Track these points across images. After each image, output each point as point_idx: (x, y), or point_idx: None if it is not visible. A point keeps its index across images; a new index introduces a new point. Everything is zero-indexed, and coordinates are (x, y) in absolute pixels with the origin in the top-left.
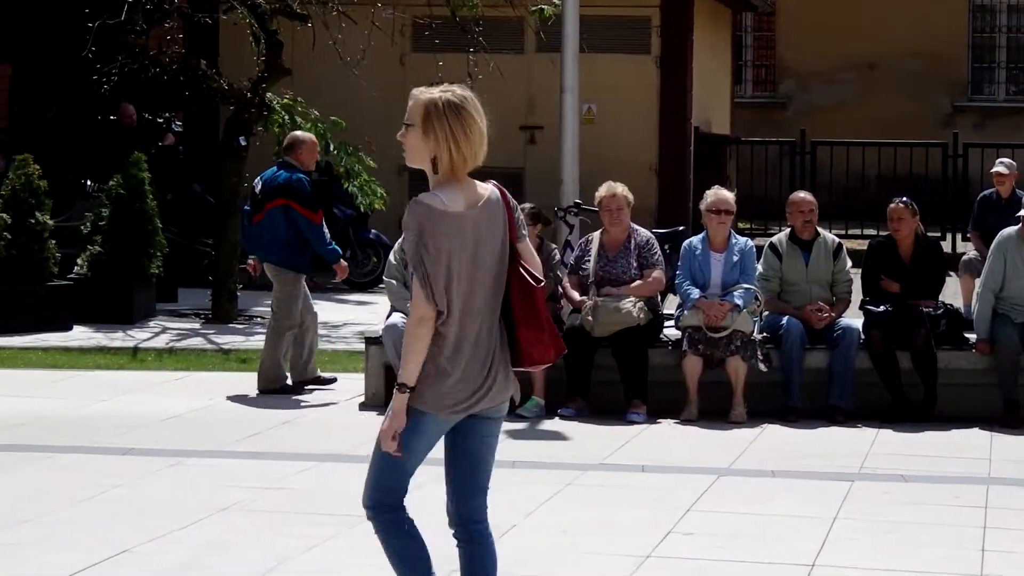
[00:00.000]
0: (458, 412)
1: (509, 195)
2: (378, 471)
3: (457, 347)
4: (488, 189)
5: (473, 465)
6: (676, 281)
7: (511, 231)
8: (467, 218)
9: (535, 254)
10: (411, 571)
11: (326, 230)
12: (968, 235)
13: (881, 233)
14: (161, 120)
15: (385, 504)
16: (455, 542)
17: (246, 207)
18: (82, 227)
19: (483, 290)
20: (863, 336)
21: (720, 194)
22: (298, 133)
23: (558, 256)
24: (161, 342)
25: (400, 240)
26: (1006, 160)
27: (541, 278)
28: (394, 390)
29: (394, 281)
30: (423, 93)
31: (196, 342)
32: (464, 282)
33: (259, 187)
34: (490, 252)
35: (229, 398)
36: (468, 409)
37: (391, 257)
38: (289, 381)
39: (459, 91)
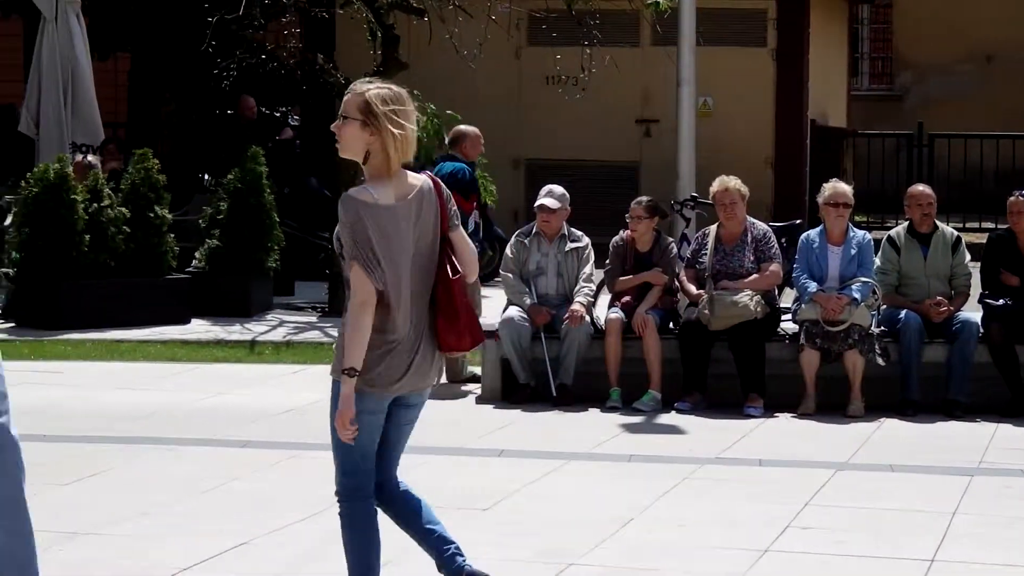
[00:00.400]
0: (392, 392)
1: (443, 186)
2: (341, 458)
3: (391, 330)
4: (421, 180)
5: (388, 450)
6: (793, 275)
7: (443, 222)
8: (397, 210)
9: (468, 243)
10: (364, 566)
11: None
12: None
13: (1000, 227)
14: (278, 114)
15: (356, 489)
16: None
17: None
18: (200, 221)
19: (412, 278)
20: (982, 330)
21: (838, 187)
22: (462, 127)
23: (675, 250)
24: (278, 335)
25: (336, 229)
26: None
27: (459, 269)
28: (341, 376)
29: (511, 275)
30: (362, 86)
31: (313, 335)
32: (393, 270)
33: None
34: (420, 242)
35: None
36: (400, 390)
37: (507, 251)
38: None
39: (395, 88)
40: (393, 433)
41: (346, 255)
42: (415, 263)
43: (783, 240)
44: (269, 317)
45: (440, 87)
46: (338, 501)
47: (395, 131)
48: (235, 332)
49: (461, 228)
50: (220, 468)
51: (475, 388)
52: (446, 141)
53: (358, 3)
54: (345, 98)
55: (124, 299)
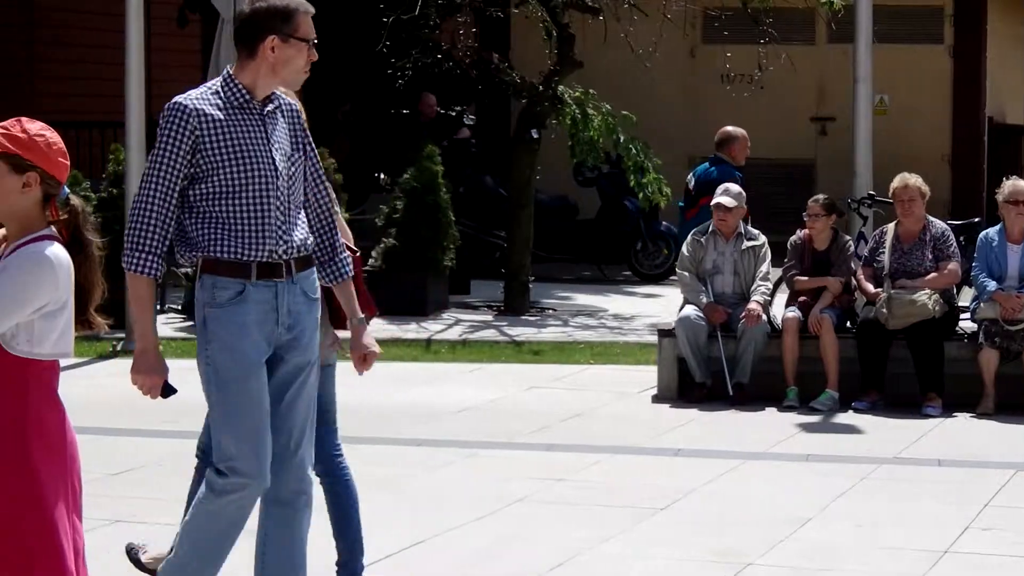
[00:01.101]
0: None
1: None
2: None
3: None
4: None
5: None
6: (972, 273)
7: None
8: None
9: (346, 228)
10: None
11: None
12: None
13: None
14: (453, 113)
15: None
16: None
17: (680, 203)
18: (376, 220)
19: None
20: None
21: (1018, 185)
22: (730, 129)
23: (852, 248)
24: (454, 334)
25: None
26: None
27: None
28: None
29: (687, 274)
30: None
31: (489, 334)
32: None
33: (692, 183)
34: None
35: (522, 390)
36: None
37: (684, 250)
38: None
39: None
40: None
41: None
42: None
43: (961, 238)
44: (445, 316)
45: (614, 85)
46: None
47: None
48: (411, 331)
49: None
50: (397, 466)
51: (652, 387)
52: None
53: (533, 2)
54: None
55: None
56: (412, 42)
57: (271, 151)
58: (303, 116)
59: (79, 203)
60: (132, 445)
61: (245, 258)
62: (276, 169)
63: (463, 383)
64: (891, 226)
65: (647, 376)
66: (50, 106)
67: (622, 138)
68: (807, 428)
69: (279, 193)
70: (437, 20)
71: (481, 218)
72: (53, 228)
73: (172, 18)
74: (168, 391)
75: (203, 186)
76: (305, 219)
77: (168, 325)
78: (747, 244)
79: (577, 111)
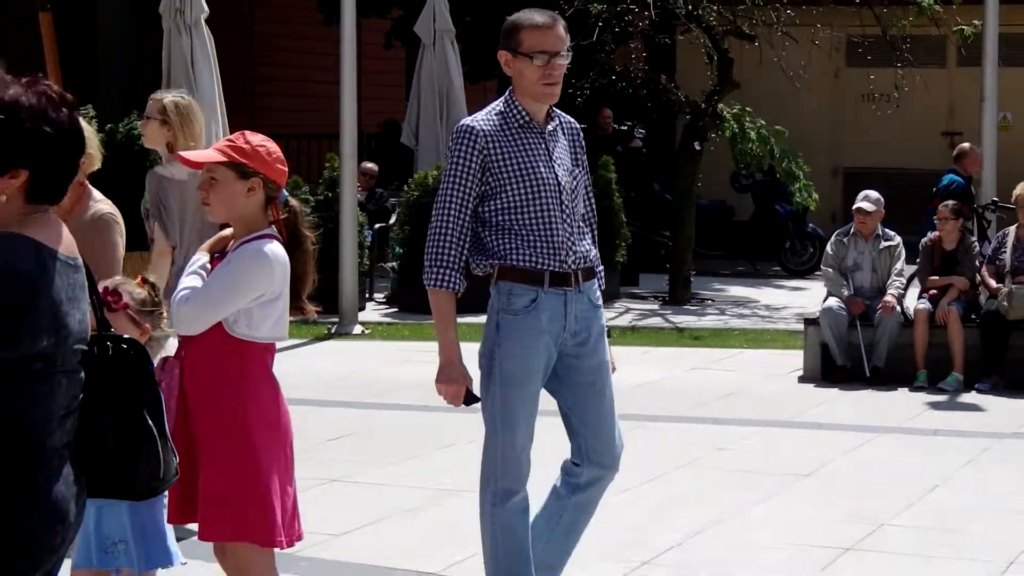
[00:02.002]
0: None
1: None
2: None
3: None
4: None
5: None
6: None
7: None
8: (188, 183)
9: None
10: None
11: None
12: None
13: None
14: (626, 127)
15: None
16: None
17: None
18: None
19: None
20: None
21: None
22: (965, 145)
23: (977, 248)
24: (625, 321)
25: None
26: None
27: None
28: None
29: (830, 270)
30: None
31: (655, 321)
32: (189, 230)
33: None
34: None
35: (684, 370)
36: None
37: (828, 248)
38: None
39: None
40: None
41: (151, 216)
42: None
43: None
44: (616, 305)
45: (767, 104)
46: None
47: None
48: None
49: None
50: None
51: (798, 369)
52: (769, 152)
53: (697, 30)
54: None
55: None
56: (590, 65)
57: (554, 167)
58: (581, 135)
59: (297, 205)
60: (342, 415)
61: (539, 267)
62: (559, 184)
63: (635, 364)
64: (1012, 228)
65: (794, 359)
66: (272, 120)
67: (776, 150)
68: (935, 406)
69: (563, 207)
70: (612, 46)
71: (649, 219)
72: (274, 227)
73: (380, 43)
74: (471, 399)
75: (494, 202)
76: (587, 231)
77: (376, 312)
78: (884, 244)
79: (735, 126)
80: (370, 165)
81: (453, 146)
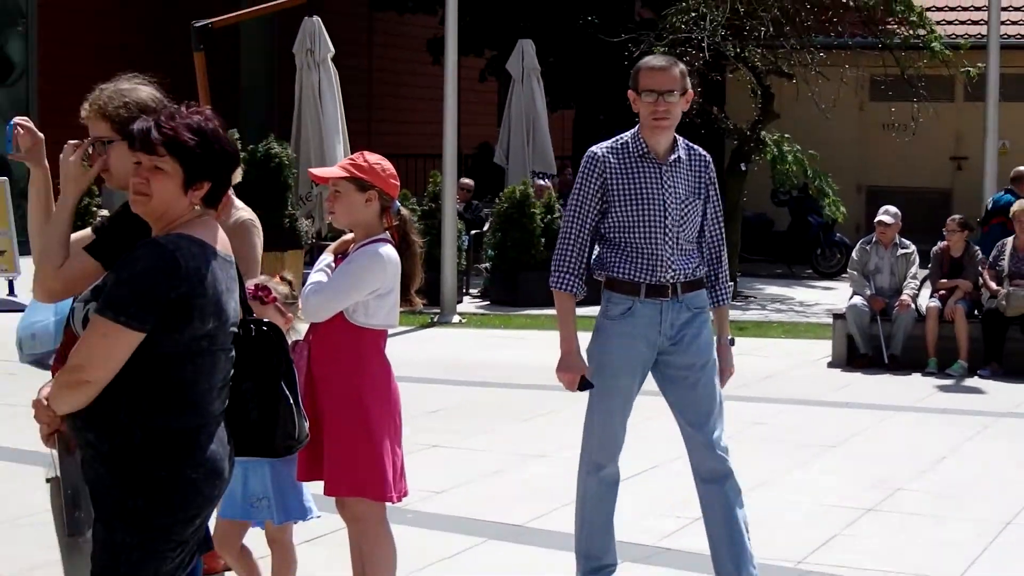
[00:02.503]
0: None
1: None
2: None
3: None
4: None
5: None
6: None
7: None
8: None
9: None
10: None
11: None
12: None
13: None
14: None
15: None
16: None
17: (978, 220)
18: None
19: None
20: None
21: None
22: (1021, 168)
23: (980, 255)
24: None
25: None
26: None
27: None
28: None
29: (855, 272)
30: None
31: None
32: None
33: (989, 206)
34: None
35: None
36: None
37: (853, 254)
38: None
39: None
40: None
41: None
42: None
43: None
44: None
45: (803, 131)
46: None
47: None
48: None
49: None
50: (642, 410)
51: (827, 356)
52: (803, 172)
53: (744, 69)
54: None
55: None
56: None
57: (663, 195)
58: (711, 167)
59: (407, 213)
60: (442, 391)
61: (636, 280)
62: (665, 210)
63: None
64: (1010, 239)
65: (823, 348)
66: (386, 141)
67: (809, 171)
68: (943, 389)
69: (667, 230)
70: None
71: None
72: (387, 233)
73: (476, 78)
74: (584, 385)
75: (608, 220)
76: (698, 251)
77: (471, 304)
78: (901, 251)
79: (775, 150)
80: (467, 181)
81: (581, 169)
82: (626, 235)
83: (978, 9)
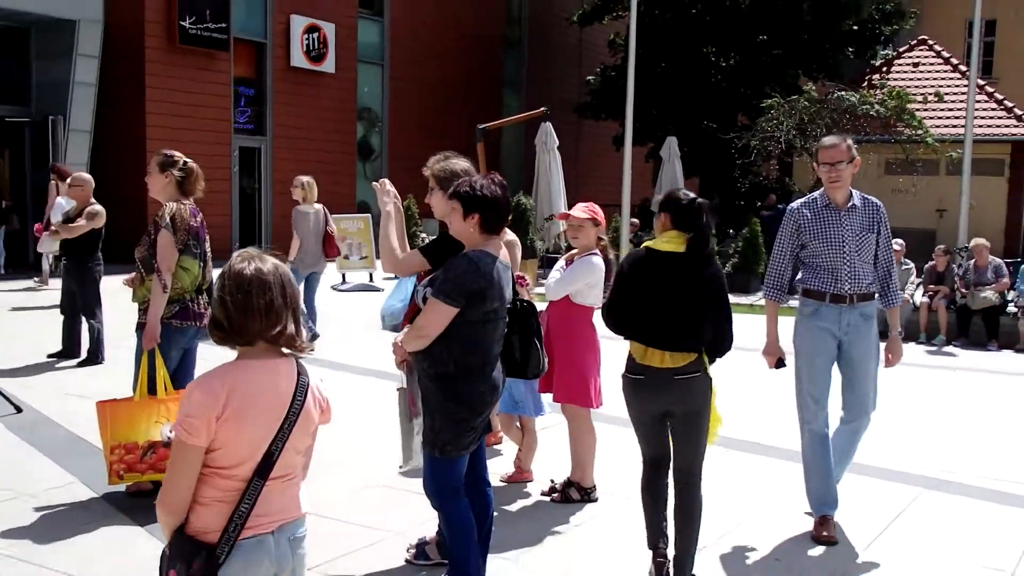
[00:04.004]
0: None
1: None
2: None
3: None
4: None
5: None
6: (1016, 283)
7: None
8: (312, 215)
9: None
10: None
11: None
12: None
13: None
14: (761, 204)
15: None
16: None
17: None
18: (733, 249)
19: None
20: None
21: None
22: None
23: (956, 270)
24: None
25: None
26: None
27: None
28: None
29: None
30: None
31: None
32: (314, 244)
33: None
34: None
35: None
36: None
37: None
38: None
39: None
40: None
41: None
42: None
43: (1010, 267)
44: (760, 296)
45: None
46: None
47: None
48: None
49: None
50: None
51: None
52: None
53: (805, 154)
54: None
55: None
56: (746, 170)
57: (841, 232)
58: (882, 211)
59: (607, 240)
60: (622, 346)
61: (822, 290)
62: (843, 242)
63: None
64: (971, 262)
65: None
66: (588, 197)
67: None
68: (931, 353)
69: (844, 256)
70: (760, 163)
71: None
72: (598, 249)
73: (643, 157)
74: (779, 364)
75: (805, 251)
76: (872, 270)
77: None
78: (903, 267)
79: None
80: (635, 220)
81: (784, 218)
82: (816, 260)
83: (958, 115)
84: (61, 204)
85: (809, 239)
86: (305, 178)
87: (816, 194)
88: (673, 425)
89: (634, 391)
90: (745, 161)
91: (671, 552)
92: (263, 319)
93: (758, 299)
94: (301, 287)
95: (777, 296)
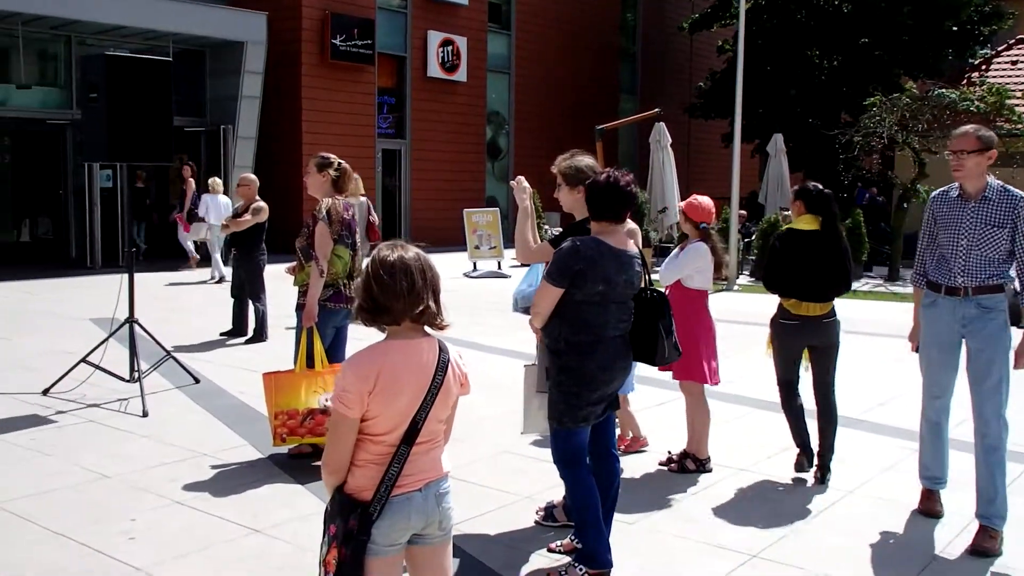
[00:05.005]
0: None
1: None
2: None
3: None
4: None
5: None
6: None
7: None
8: (356, 208)
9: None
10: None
11: None
12: None
13: None
14: (870, 194)
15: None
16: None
17: None
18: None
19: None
20: None
21: None
22: None
23: None
24: (868, 287)
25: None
26: None
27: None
28: None
29: None
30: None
31: (882, 288)
32: (360, 234)
33: None
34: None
35: (892, 312)
36: None
37: None
38: None
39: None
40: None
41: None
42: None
43: None
44: (863, 280)
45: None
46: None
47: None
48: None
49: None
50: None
51: None
52: None
53: (907, 148)
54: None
55: None
56: (850, 164)
57: (963, 223)
58: (1018, 205)
59: (712, 229)
60: (748, 331)
61: (939, 282)
62: (959, 236)
63: (884, 309)
64: None
65: None
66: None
67: None
68: None
69: (959, 250)
70: (862, 157)
71: (880, 240)
72: (701, 238)
73: (750, 152)
74: (918, 348)
75: (936, 240)
76: (998, 264)
77: (744, 279)
78: None
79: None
80: (743, 212)
81: (926, 204)
82: (940, 251)
83: None
84: (227, 202)
85: (938, 229)
86: (354, 175)
87: (955, 184)
88: (815, 355)
89: (789, 332)
90: (848, 156)
91: (815, 448)
92: (405, 300)
93: (861, 285)
94: None
95: (918, 282)
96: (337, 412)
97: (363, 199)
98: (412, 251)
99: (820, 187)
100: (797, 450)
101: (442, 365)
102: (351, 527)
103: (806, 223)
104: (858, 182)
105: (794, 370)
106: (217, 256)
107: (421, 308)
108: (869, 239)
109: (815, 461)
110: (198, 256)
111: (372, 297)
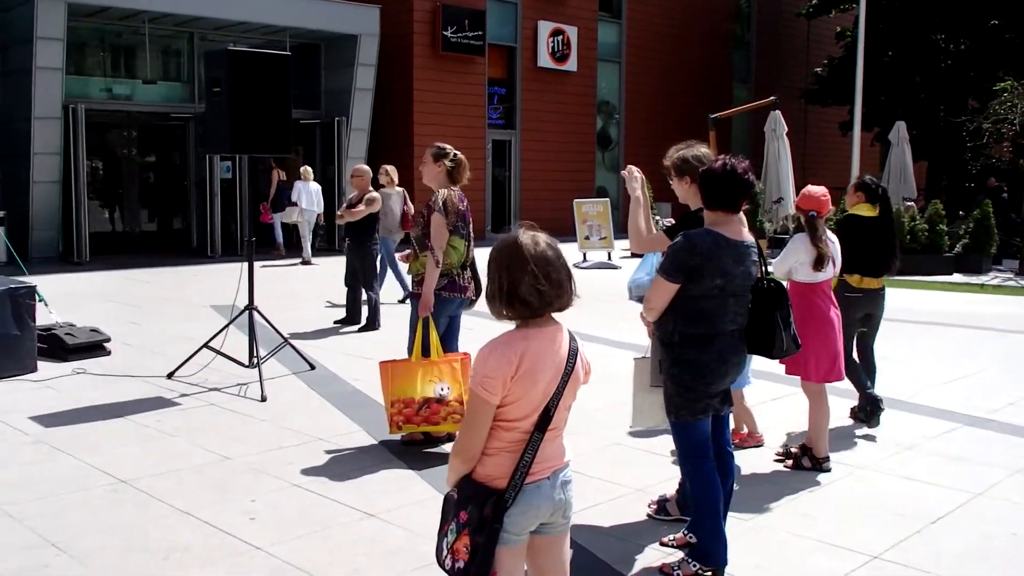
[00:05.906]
0: None
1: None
2: None
3: None
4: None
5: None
6: None
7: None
8: (391, 196)
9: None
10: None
11: None
12: None
13: None
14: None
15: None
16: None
17: None
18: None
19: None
20: None
21: None
22: None
23: None
24: (997, 281)
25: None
26: None
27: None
28: None
29: None
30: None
31: (1011, 281)
32: (390, 220)
33: None
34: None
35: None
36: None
37: None
38: None
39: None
40: None
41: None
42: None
43: None
44: (992, 273)
45: None
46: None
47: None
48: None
49: None
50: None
51: None
52: None
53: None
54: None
55: None
56: (978, 151)
57: None
58: None
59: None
60: None
61: None
62: None
63: (1012, 303)
64: None
65: None
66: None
67: None
68: None
69: None
70: (992, 145)
71: (1009, 231)
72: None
73: (870, 140)
74: None
75: None
76: None
77: None
78: None
79: None
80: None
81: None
82: None
83: None
84: (317, 188)
85: None
86: (389, 167)
87: None
88: (867, 323)
89: (852, 303)
90: (976, 144)
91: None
92: (567, 292)
93: (990, 279)
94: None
95: None
96: (478, 398)
97: (399, 190)
98: (544, 237)
99: (877, 181)
100: (911, 447)
101: (573, 352)
102: (486, 515)
103: (867, 210)
104: (990, 175)
105: (851, 335)
106: (307, 242)
107: (566, 298)
108: (998, 231)
109: (866, 407)
110: (283, 251)
111: (539, 292)
